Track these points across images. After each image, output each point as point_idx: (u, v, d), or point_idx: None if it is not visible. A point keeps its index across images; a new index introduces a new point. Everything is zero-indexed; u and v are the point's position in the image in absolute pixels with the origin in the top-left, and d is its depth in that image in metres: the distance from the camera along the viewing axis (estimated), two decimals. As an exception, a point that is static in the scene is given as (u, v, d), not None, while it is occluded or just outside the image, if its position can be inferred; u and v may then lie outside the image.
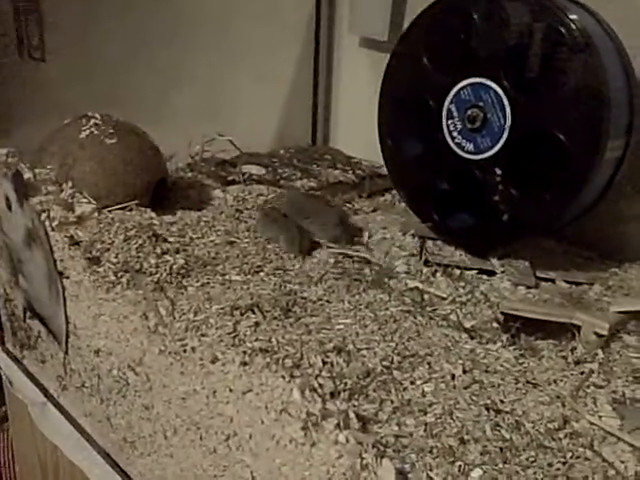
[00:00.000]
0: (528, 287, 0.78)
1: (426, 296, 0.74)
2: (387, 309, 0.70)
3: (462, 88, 0.81)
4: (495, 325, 0.69)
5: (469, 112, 0.80)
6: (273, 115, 1.26)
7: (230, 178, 0.99)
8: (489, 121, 0.79)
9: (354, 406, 0.53)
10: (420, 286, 0.75)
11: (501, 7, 0.77)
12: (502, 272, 0.80)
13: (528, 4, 0.75)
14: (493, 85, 0.78)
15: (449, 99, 0.82)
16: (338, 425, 0.49)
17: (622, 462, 0.50)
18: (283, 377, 0.53)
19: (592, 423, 0.53)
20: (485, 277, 0.80)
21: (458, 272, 0.80)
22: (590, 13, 0.79)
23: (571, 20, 0.73)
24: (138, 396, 0.68)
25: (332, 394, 0.53)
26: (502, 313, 0.71)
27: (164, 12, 1.44)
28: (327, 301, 0.71)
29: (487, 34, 0.78)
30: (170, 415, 0.64)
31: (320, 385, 0.53)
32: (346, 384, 0.55)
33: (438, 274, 0.79)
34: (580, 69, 0.72)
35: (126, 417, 0.72)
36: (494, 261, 0.82)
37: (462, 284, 0.77)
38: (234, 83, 1.32)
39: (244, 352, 0.56)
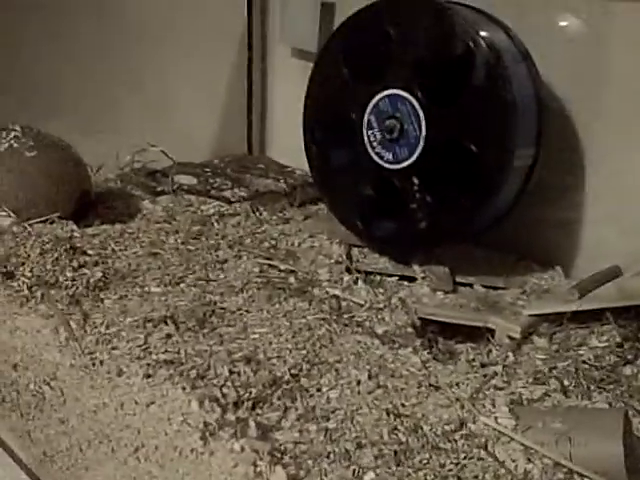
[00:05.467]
0: (446, 292, 0.81)
1: (344, 303, 0.75)
2: (304, 317, 0.71)
3: (380, 99, 0.83)
4: (410, 330, 0.71)
5: (387, 123, 0.82)
6: (210, 125, 1.26)
7: (160, 189, 0.99)
8: (406, 132, 0.81)
9: (257, 415, 0.54)
10: (339, 294, 0.77)
11: (415, 22, 0.79)
12: (422, 278, 0.82)
13: (442, 20, 0.77)
14: (408, 96, 0.80)
15: (368, 110, 0.84)
16: (235, 434, 0.50)
17: (513, 461, 0.52)
18: (184, 388, 0.53)
19: (487, 424, 0.55)
20: (406, 283, 0.82)
21: (379, 279, 0.82)
22: (502, 27, 0.82)
23: (481, 36, 0.75)
24: (54, 410, 0.68)
25: (235, 403, 0.54)
26: (419, 318, 0.73)
27: (98, 21, 1.43)
28: (246, 311, 0.72)
29: (402, 47, 0.80)
30: (84, 428, 0.64)
31: (223, 395, 0.54)
32: (251, 393, 0.56)
33: (359, 281, 0.80)
34: (488, 83, 0.74)
35: (45, 431, 0.71)
36: (415, 267, 0.84)
37: (381, 290, 0.79)
38: (171, 93, 1.32)
39: (148, 364, 0.57)
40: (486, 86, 0.75)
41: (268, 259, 0.85)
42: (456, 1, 0.82)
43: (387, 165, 0.83)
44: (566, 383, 0.62)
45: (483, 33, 0.76)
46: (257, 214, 0.97)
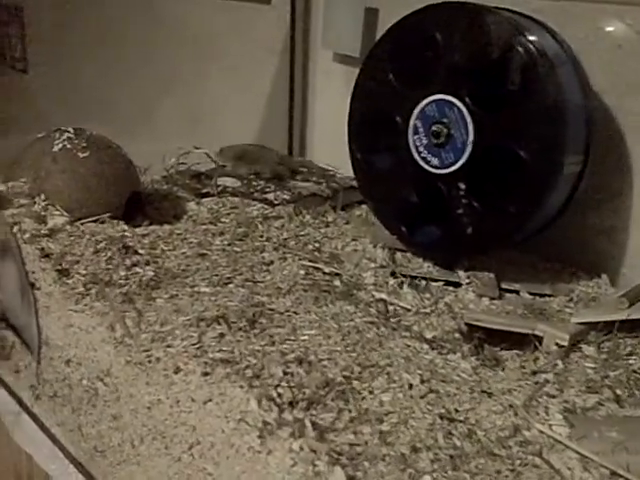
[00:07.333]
0: (492, 298, 0.80)
1: (391, 307, 0.75)
2: (352, 320, 0.72)
3: (427, 104, 0.83)
4: (457, 336, 0.71)
5: (434, 128, 0.82)
6: (251, 128, 1.28)
7: (204, 190, 1.01)
8: (453, 137, 0.81)
9: (312, 415, 0.54)
10: (386, 297, 0.77)
11: (462, 27, 0.79)
12: (467, 284, 0.82)
13: (489, 24, 0.77)
14: (456, 102, 0.80)
15: (415, 115, 0.84)
16: (293, 434, 0.50)
17: (569, 469, 0.52)
18: (242, 387, 0.54)
19: (542, 431, 0.55)
20: (451, 288, 0.82)
21: (424, 284, 0.82)
22: (550, 32, 0.82)
23: (529, 40, 0.75)
24: (107, 406, 0.69)
25: (290, 403, 0.55)
26: (466, 324, 0.73)
27: (145, 26, 1.46)
28: (294, 312, 0.72)
29: (449, 52, 0.80)
30: (137, 424, 0.65)
31: (279, 395, 0.55)
32: (305, 394, 0.56)
33: (405, 286, 0.80)
34: (538, 88, 0.74)
35: (96, 426, 0.73)
36: (460, 273, 0.84)
37: (427, 295, 0.79)
38: (213, 96, 1.34)
39: (205, 363, 0.58)
40: (535, 91, 0.75)
41: (312, 262, 0.85)
42: (503, 6, 0.83)
43: (433, 170, 0.83)
44: (619, 392, 0.62)
45: (531, 37, 0.76)
46: (300, 217, 0.98)
